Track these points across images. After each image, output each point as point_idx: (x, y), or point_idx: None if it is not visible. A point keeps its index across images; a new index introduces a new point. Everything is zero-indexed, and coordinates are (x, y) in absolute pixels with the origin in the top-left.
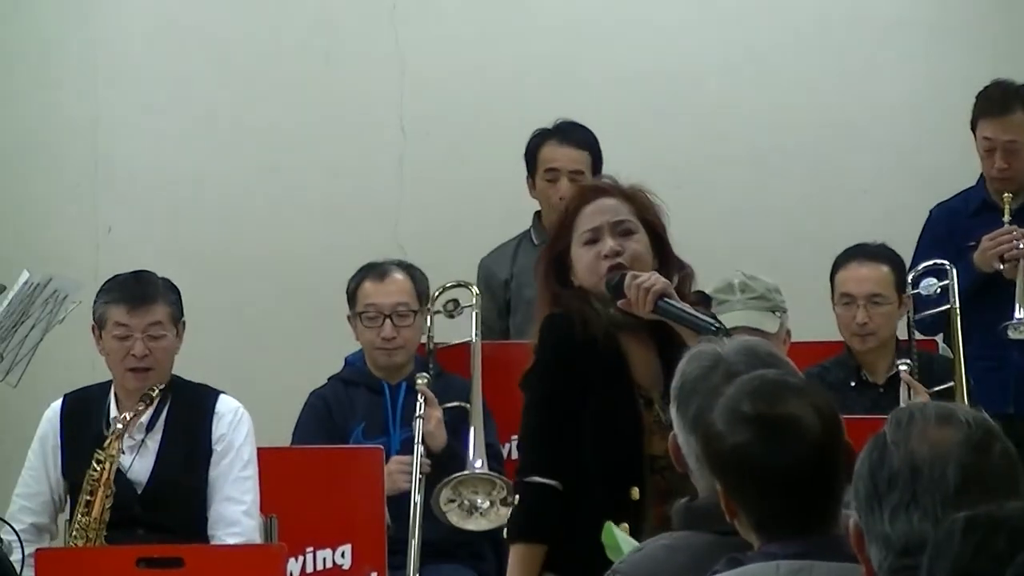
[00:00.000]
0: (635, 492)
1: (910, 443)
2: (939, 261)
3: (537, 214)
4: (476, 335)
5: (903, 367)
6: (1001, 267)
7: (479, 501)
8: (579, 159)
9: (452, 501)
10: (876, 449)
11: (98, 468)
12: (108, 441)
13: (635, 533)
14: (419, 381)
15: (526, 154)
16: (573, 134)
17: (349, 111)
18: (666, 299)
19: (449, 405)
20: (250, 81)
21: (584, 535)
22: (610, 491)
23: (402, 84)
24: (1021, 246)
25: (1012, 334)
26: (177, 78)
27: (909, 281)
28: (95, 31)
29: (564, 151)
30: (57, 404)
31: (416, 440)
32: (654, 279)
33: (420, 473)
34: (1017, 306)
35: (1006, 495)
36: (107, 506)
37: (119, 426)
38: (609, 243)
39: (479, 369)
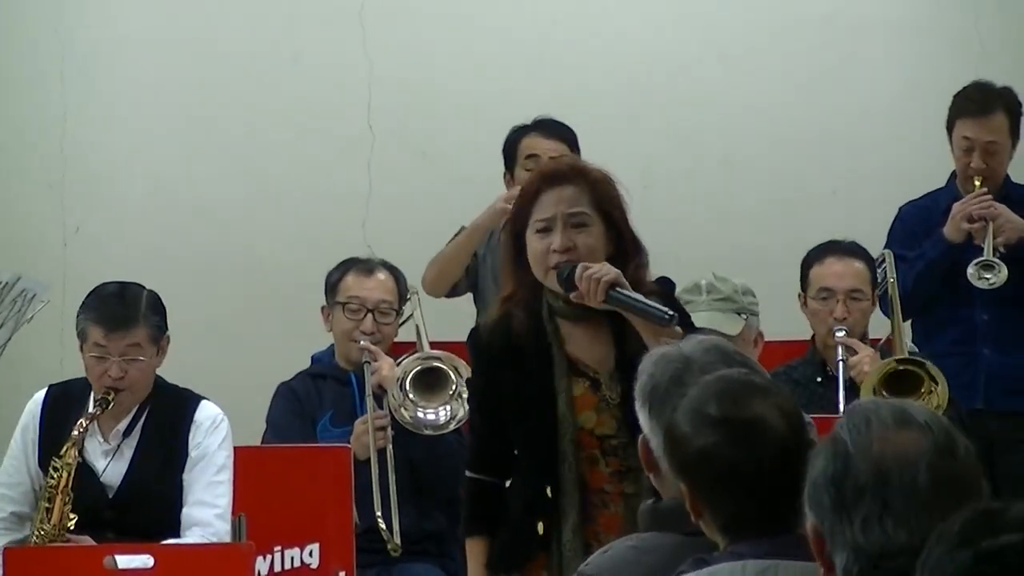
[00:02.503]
0: (548, 491)
1: (873, 450)
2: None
3: None
4: (419, 312)
5: (840, 333)
6: (970, 227)
7: (429, 413)
8: (560, 150)
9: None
10: (836, 458)
11: (55, 476)
12: (65, 449)
13: (554, 530)
14: (362, 341)
15: (505, 148)
16: (553, 128)
17: (317, 111)
18: (617, 288)
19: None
20: (219, 82)
21: (510, 532)
22: (530, 490)
23: (370, 83)
24: (991, 209)
25: (975, 281)
26: (145, 78)
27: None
28: (64, 31)
29: (546, 143)
30: (40, 395)
31: (368, 393)
32: (605, 269)
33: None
34: (985, 252)
35: (977, 494)
36: (67, 511)
37: (75, 433)
38: (559, 239)
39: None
